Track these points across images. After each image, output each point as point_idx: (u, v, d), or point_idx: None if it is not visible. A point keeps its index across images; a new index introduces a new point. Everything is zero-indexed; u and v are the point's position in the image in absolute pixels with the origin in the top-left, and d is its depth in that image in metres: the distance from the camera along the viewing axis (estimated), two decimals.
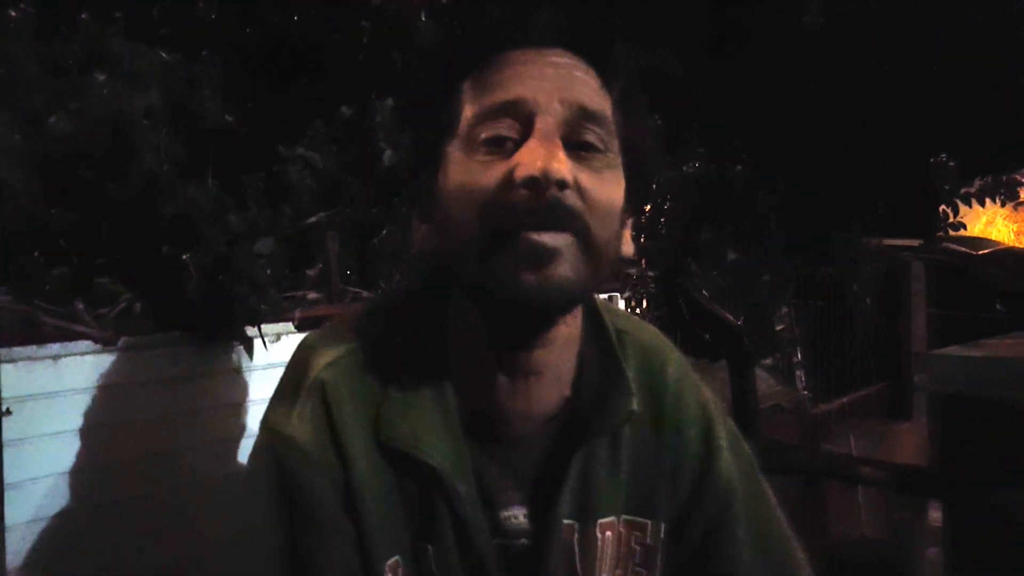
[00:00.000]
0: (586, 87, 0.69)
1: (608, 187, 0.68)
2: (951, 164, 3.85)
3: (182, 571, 1.46)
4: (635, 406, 0.75)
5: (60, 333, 1.42)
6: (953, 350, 2.06)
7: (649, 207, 3.25)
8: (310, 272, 1.91)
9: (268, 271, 1.67)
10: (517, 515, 0.74)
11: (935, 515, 2.33)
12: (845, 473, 2.31)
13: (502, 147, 0.66)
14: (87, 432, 1.41)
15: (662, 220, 3.26)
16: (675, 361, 0.84)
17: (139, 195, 1.47)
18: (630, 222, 0.76)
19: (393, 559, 0.70)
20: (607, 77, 0.71)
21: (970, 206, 3.95)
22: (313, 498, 0.69)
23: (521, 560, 0.73)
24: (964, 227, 4.01)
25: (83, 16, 1.60)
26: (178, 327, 1.55)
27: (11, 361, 1.33)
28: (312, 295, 1.86)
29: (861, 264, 3.82)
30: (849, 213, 3.82)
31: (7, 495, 1.30)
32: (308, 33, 1.90)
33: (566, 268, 0.63)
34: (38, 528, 1.35)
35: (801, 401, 3.22)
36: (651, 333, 0.86)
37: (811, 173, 3.66)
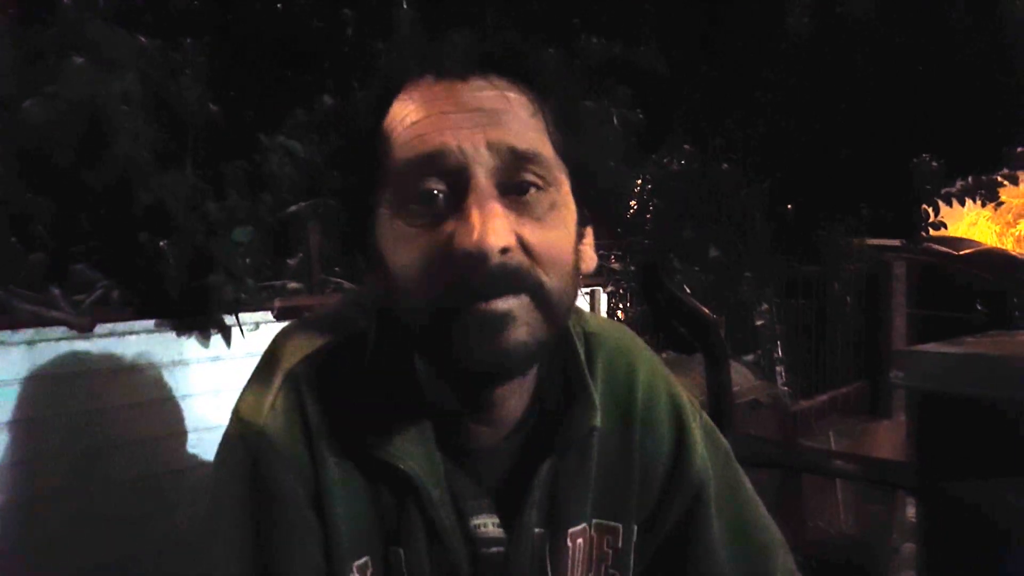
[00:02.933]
0: (515, 122, 0.63)
1: (555, 233, 0.64)
2: (933, 164, 3.88)
3: (161, 557, 1.46)
4: (598, 422, 0.74)
5: (35, 318, 1.41)
6: (930, 347, 2.07)
7: (634, 203, 3.27)
8: (291, 262, 1.91)
9: (247, 260, 1.66)
10: (487, 523, 0.73)
11: (910, 511, 2.36)
12: (818, 467, 2.33)
13: (434, 203, 0.62)
14: (62, 418, 1.41)
15: (647, 216, 3.28)
16: (645, 360, 0.84)
17: (116, 182, 1.46)
18: (589, 231, 0.72)
19: (363, 559, 0.69)
20: (539, 92, 0.65)
21: (951, 206, 3.99)
22: (281, 492, 0.67)
23: (492, 567, 0.72)
24: (944, 226, 4.05)
25: (64, 2, 1.58)
26: (155, 314, 1.54)
27: None
28: (292, 285, 1.86)
29: (843, 263, 3.86)
30: (832, 212, 3.85)
31: None
32: (291, 21, 1.90)
33: (522, 332, 0.61)
34: (12, 514, 1.34)
35: (780, 397, 3.25)
36: (621, 333, 0.86)
37: (795, 172, 3.68)
